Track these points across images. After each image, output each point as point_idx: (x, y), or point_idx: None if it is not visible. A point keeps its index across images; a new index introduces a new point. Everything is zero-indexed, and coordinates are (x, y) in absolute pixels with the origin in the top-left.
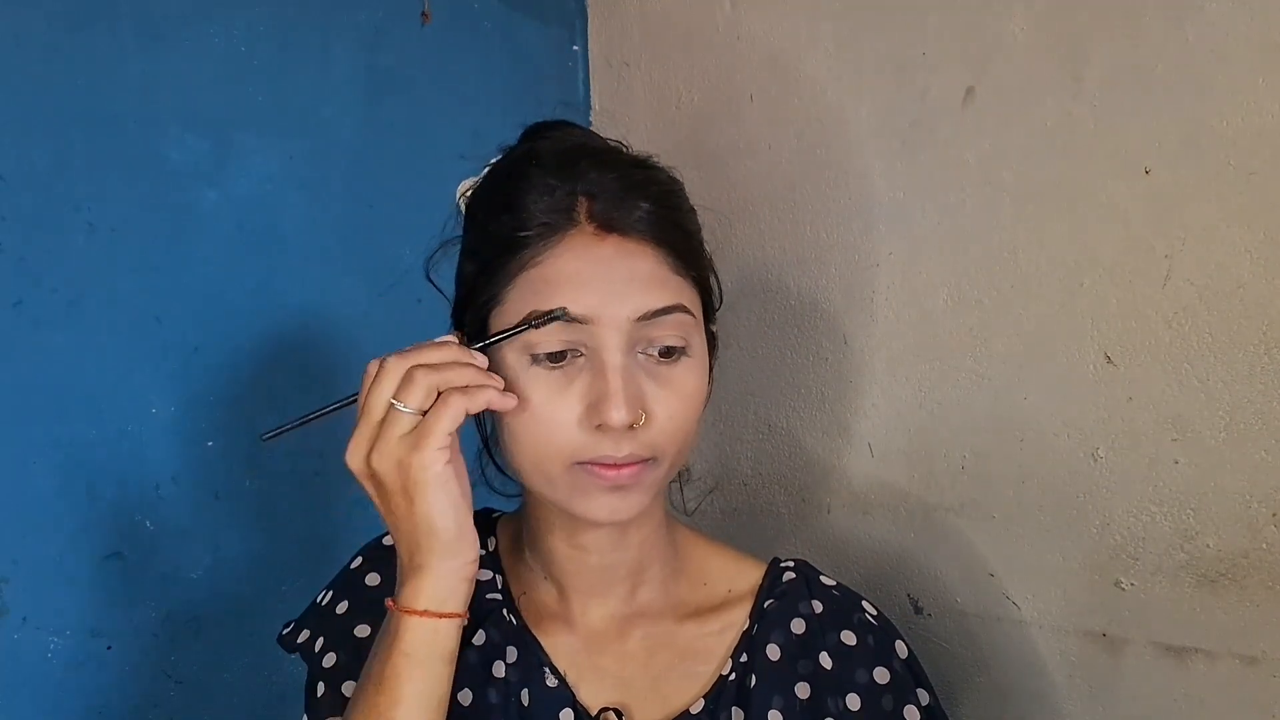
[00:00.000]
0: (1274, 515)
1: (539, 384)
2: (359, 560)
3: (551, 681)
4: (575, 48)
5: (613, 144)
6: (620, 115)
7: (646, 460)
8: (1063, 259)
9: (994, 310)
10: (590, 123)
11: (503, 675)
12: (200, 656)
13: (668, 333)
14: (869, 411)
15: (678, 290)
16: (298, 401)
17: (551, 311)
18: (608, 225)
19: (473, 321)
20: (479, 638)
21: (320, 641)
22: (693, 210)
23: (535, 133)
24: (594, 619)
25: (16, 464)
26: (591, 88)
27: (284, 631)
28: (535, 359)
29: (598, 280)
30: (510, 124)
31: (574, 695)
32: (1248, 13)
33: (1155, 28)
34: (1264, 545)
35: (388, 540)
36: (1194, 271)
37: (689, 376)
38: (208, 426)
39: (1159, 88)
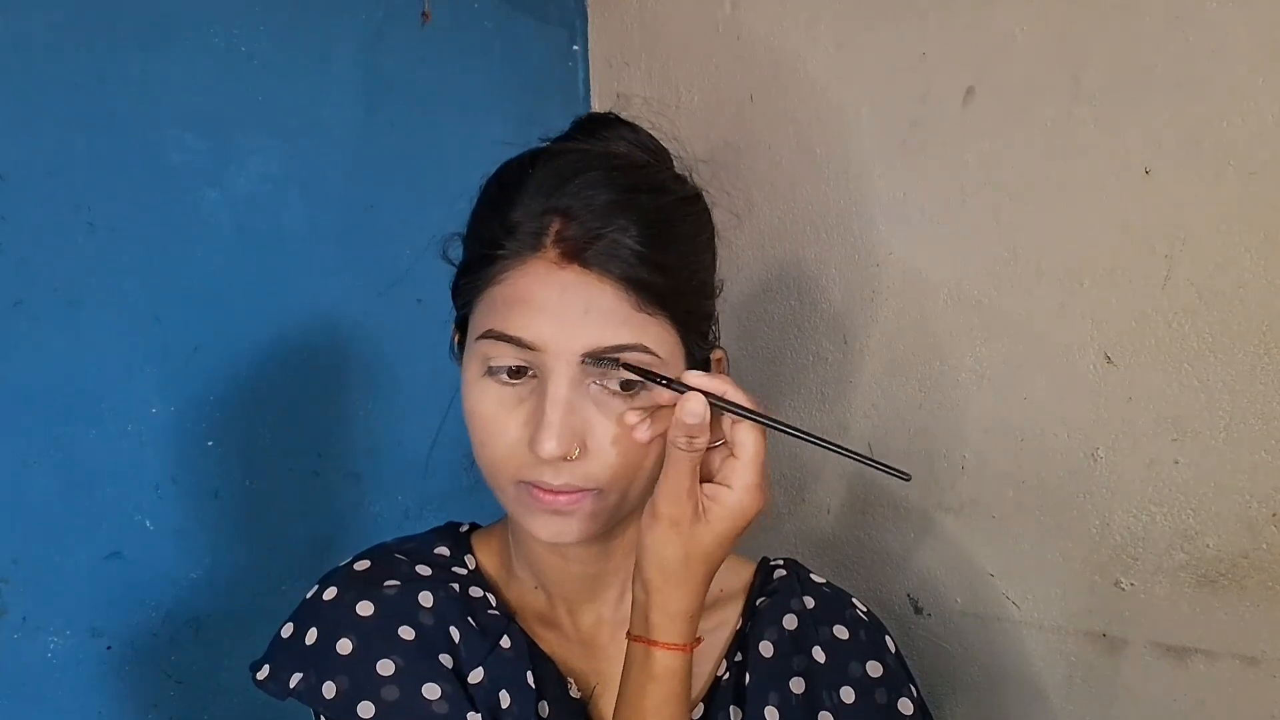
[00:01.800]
0: (1274, 515)
1: (491, 397)
2: (333, 590)
3: (575, 692)
4: (575, 48)
5: (639, 156)
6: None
7: (588, 490)
8: (1063, 259)
9: (994, 310)
10: None
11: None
12: (200, 656)
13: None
14: (869, 411)
15: (639, 329)
16: (297, 401)
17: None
18: (571, 254)
19: (459, 311)
20: (477, 675)
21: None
22: (697, 238)
23: (581, 127)
24: (585, 624)
25: (16, 464)
26: (591, 88)
27: (260, 677)
28: (491, 371)
29: (551, 309)
30: (510, 124)
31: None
32: (1248, 13)
33: (1155, 28)
34: (1264, 545)
35: (360, 565)
36: (1194, 271)
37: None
38: (208, 426)
39: (1159, 88)
